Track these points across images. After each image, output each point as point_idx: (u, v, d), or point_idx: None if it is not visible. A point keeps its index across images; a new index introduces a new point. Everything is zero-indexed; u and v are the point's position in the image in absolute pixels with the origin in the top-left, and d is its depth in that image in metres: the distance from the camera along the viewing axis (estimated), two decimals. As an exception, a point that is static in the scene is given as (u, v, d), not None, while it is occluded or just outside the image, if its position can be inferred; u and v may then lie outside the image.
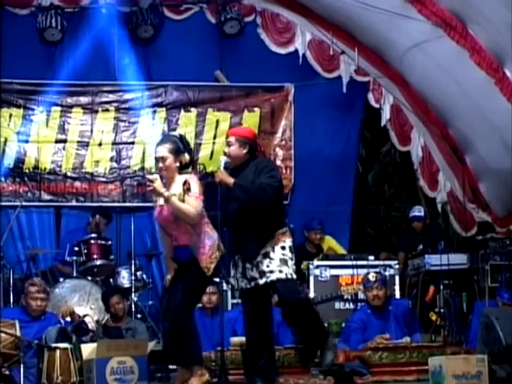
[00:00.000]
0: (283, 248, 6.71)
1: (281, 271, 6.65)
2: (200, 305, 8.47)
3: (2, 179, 10.82)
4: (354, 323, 8.49)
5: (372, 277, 8.54)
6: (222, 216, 6.67)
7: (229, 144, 6.91)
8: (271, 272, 6.65)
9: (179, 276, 6.54)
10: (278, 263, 6.66)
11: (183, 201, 6.28)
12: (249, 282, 6.78)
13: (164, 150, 6.49)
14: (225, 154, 6.97)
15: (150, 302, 10.02)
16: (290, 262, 6.72)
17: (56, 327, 7.74)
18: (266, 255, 6.68)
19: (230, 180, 6.70)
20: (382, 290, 8.45)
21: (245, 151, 6.85)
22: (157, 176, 6.43)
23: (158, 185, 6.33)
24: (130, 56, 11.12)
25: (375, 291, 8.42)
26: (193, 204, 6.31)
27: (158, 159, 6.60)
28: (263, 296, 6.82)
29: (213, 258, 6.44)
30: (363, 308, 8.74)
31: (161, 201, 6.47)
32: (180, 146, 6.51)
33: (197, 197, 6.37)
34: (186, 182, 6.31)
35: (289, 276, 6.68)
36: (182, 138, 6.65)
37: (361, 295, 9.69)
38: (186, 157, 6.54)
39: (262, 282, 6.70)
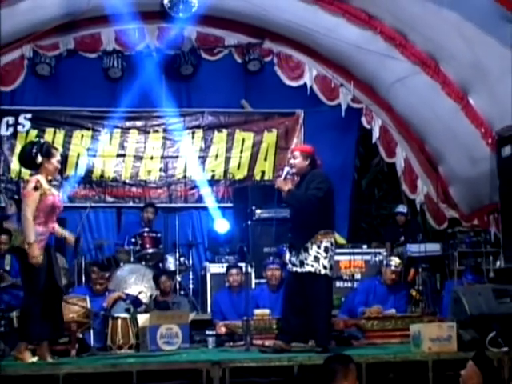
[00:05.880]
0: (318, 247, 6.56)
1: (312, 266, 6.55)
2: (228, 284, 8.56)
3: (76, 186, 10.88)
4: (361, 288, 8.56)
5: (395, 262, 8.36)
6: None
7: (294, 157, 6.82)
8: (306, 264, 6.58)
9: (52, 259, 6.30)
10: (312, 258, 6.56)
11: None
12: (292, 266, 6.72)
13: None
14: (290, 165, 6.89)
15: (191, 281, 10.02)
16: (322, 260, 6.54)
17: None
18: (306, 249, 6.58)
19: (285, 188, 6.64)
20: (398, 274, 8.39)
21: (307, 163, 6.75)
22: None
23: None
24: (174, 89, 11.18)
25: (394, 275, 8.30)
26: None
27: None
28: (299, 280, 6.65)
29: None
30: (374, 279, 8.66)
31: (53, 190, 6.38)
32: None
33: None
34: None
35: (317, 271, 6.55)
36: None
37: (357, 276, 9.75)
38: None
39: (299, 270, 6.63)
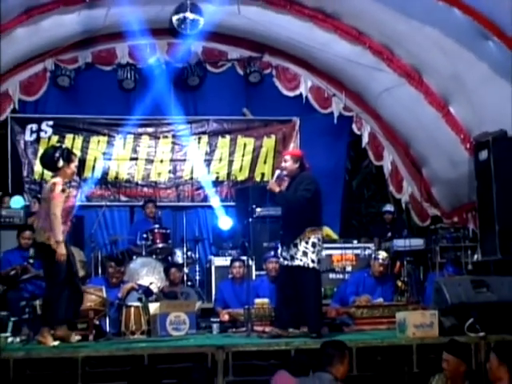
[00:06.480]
0: (307, 242, 6.55)
1: (301, 260, 6.55)
2: (231, 276, 8.57)
3: (93, 186, 10.90)
4: (352, 280, 8.51)
5: (382, 255, 8.34)
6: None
7: (285, 161, 6.79)
8: (296, 259, 6.58)
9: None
10: (300, 253, 6.55)
11: None
12: (284, 260, 6.72)
13: None
14: (281, 168, 6.86)
15: (197, 273, 10.04)
16: (310, 254, 6.54)
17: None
18: (295, 245, 6.58)
19: (276, 189, 6.64)
20: (385, 267, 8.37)
21: (296, 165, 6.72)
22: None
23: None
24: (182, 98, 11.20)
25: (382, 268, 8.28)
26: None
27: None
28: (290, 273, 6.66)
29: None
30: (363, 272, 8.62)
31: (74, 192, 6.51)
32: None
33: None
34: None
35: (306, 265, 6.55)
36: None
37: (348, 268, 9.75)
38: None
39: (290, 263, 6.63)
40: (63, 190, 6.21)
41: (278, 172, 6.89)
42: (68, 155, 6.41)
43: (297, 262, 6.57)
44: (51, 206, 6.17)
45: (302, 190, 6.57)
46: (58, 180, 6.29)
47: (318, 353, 5.09)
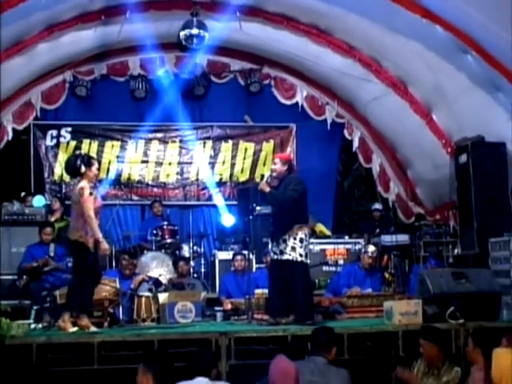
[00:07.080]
0: (295, 238, 6.53)
1: (290, 254, 6.54)
2: (233, 268, 8.58)
3: (108, 187, 10.89)
4: (344, 272, 8.51)
5: (371, 249, 8.33)
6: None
7: (275, 163, 6.79)
8: (285, 253, 6.56)
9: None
10: (289, 248, 6.54)
11: None
12: (274, 254, 6.72)
13: None
14: (271, 170, 6.87)
15: (203, 266, 10.03)
16: (298, 249, 6.53)
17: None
18: (284, 240, 6.57)
19: (267, 189, 6.63)
20: (373, 259, 8.37)
21: (285, 168, 6.72)
22: None
23: None
24: (188, 106, 11.19)
25: (371, 260, 8.29)
26: None
27: None
28: (280, 266, 6.66)
29: None
30: (354, 265, 8.62)
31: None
32: None
33: None
34: None
35: (294, 259, 6.53)
36: None
37: (340, 261, 9.77)
38: None
39: (279, 258, 6.62)
40: (91, 193, 6.27)
41: (267, 174, 6.90)
42: (88, 160, 6.48)
43: (286, 257, 6.56)
44: (85, 210, 6.20)
45: (290, 191, 6.57)
46: (85, 184, 6.32)
47: (310, 338, 5.12)
